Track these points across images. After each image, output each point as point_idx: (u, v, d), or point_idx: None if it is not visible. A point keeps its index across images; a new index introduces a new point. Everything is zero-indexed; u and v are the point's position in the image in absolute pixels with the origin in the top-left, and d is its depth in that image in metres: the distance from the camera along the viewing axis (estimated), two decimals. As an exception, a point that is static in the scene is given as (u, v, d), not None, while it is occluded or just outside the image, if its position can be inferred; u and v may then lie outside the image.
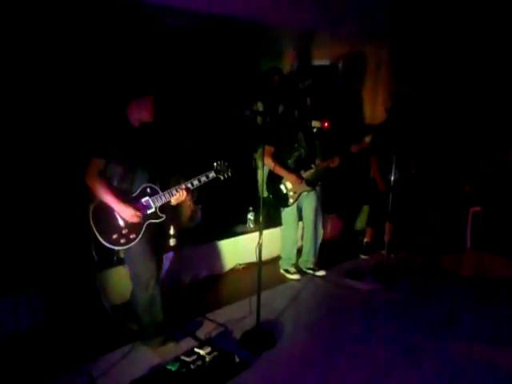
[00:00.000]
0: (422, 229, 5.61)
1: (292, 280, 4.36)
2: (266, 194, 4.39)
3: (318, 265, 4.51)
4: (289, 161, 4.19)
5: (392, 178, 4.39)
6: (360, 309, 3.81)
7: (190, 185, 3.02)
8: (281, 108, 5.12)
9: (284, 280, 4.36)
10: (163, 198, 2.95)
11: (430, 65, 5.94)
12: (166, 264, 3.46)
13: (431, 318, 3.67)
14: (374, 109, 6.49)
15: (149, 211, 2.91)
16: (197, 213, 4.60)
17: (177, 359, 2.81)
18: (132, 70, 4.15)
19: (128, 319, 3.20)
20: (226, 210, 5.10)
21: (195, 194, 4.50)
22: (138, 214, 2.82)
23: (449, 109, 5.78)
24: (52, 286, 3.31)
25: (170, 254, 3.92)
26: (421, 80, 5.91)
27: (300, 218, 4.44)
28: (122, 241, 2.81)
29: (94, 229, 2.74)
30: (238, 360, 2.86)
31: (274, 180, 4.20)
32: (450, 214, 5.59)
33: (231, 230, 4.76)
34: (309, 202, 4.36)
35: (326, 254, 5.24)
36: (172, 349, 2.99)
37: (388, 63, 6.35)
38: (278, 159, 4.10)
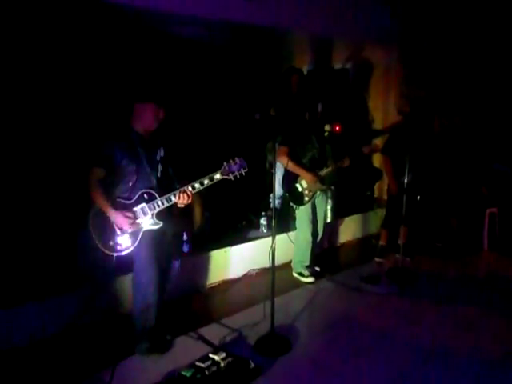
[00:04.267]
0: (438, 231, 5.53)
1: (306, 283, 4.33)
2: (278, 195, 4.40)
3: (314, 262, 4.50)
4: (303, 160, 4.21)
5: (406, 180, 4.36)
6: (376, 313, 3.76)
7: (190, 187, 2.90)
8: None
9: (298, 284, 4.32)
10: (160, 204, 2.89)
11: (442, 67, 5.91)
12: (175, 271, 3.38)
13: (448, 321, 3.60)
14: (386, 112, 6.46)
15: (145, 218, 2.88)
16: (205, 217, 4.58)
17: (191, 365, 2.79)
18: (134, 77, 4.18)
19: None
20: (239, 216, 5.10)
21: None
22: (130, 221, 2.80)
23: (463, 110, 5.72)
24: (66, 294, 3.32)
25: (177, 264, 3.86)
26: (433, 82, 5.87)
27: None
28: (118, 247, 2.84)
29: (93, 234, 2.81)
30: (253, 366, 2.83)
31: (289, 179, 4.21)
32: (467, 216, 5.50)
33: (244, 235, 4.75)
34: (321, 204, 4.40)
35: (340, 258, 5.23)
36: (156, 359, 2.92)
37: (399, 66, 6.33)
38: (294, 159, 4.11)
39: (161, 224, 2.93)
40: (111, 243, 2.83)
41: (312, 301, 3.97)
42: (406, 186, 4.38)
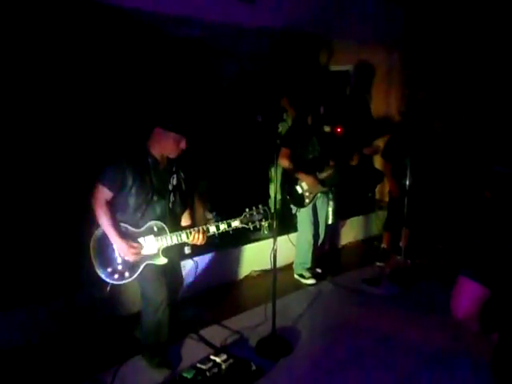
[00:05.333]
0: (440, 233, 5.52)
1: (307, 285, 4.32)
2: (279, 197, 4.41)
3: (316, 264, 4.50)
4: (304, 162, 4.20)
5: (407, 183, 4.35)
6: (377, 315, 3.76)
7: (205, 228, 2.76)
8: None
9: (299, 286, 4.32)
10: (169, 241, 2.71)
11: (443, 68, 5.91)
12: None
13: (450, 324, 3.57)
14: (388, 113, 6.46)
15: (150, 252, 2.70)
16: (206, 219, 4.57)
17: (193, 367, 2.80)
18: (162, 100, 4.11)
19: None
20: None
21: (208, 205, 4.48)
22: (134, 251, 2.63)
23: (465, 112, 5.72)
24: (64, 296, 3.33)
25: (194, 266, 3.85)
26: (434, 83, 5.87)
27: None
28: (116, 276, 2.67)
29: (92, 256, 2.65)
30: (254, 367, 2.84)
31: (289, 181, 4.22)
32: (469, 218, 5.49)
33: (245, 236, 4.74)
34: (322, 206, 4.41)
35: (342, 260, 5.23)
36: (165, 373, 2.83)
37: (400, 68, 6.33)
38: (294, 160, 4.11)
39: (166, 261, 2.73)
40: (109, 270, 2.66)
41: (313, 303, 3.96)
42: (407, 188, 4.38)
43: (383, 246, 5.02)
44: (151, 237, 2.70)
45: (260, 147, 5.28)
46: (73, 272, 3.47)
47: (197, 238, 2.73)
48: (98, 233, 2.67)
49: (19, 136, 3.67)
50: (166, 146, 2.68)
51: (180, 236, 2.72)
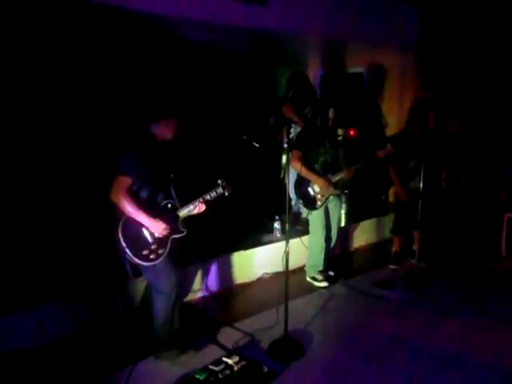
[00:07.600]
0: (456, 237, 5.47)
1: (320, 288, 4.31)
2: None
3: (328, 266, 4.49)
4: (316, 165, 4.22)
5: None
6: (390, 318, 3.73)
7: (207, 197, 3.02)
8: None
9: (311, 288, 4.31)
10: (183, 214, 2.98)
11: (458, 71, 5.86)
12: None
13: (464, 328, 3.55)
14: (401, 115, 6.42)
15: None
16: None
17: (205, 368, 2.82)
18: (158, 91, 4.24)
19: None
20: (253, 219, 5.10)
21: None
22: (167, 226, 2.83)
23: (477, 114, 5.67)
24: (79, 297, 3.37)
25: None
26: (448, 86, 5.83)
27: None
28: (152, 256, 2.81)
29: (124, 245, 2.72)
30: (266, 370, 2.84)
31: (302, 184, 4.21)
32: (484, 221, 5.43)
33: (258, 239, 4.76)
34: (334, 208, 4.40)
35: (355, 263, 5.21)
36: (193, 357, 2.99)
37: (414, 71, 6.29)
38: (306, 164, 4.12)
39: (185, 232, 2.97)
40: (145, 252, 2.79)
41: (325, 305, 3.95)
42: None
43: (394, 249, 4.99)
44: (169, 213, 2.92)
45: (274, 149, 5.30)
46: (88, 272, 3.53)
47: (200, 208, 3.02)
48: (121, 222, 2.75)
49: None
50: (167, 131, 2.91)
51: (190, 209, 2.99)
